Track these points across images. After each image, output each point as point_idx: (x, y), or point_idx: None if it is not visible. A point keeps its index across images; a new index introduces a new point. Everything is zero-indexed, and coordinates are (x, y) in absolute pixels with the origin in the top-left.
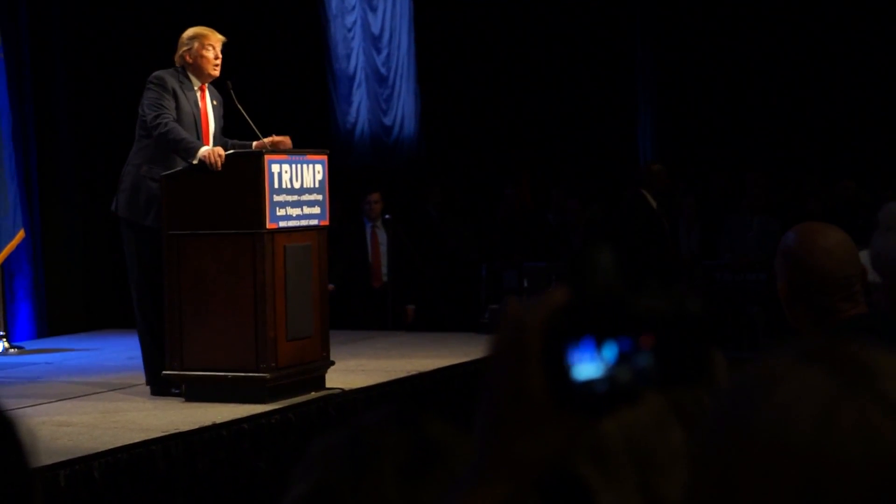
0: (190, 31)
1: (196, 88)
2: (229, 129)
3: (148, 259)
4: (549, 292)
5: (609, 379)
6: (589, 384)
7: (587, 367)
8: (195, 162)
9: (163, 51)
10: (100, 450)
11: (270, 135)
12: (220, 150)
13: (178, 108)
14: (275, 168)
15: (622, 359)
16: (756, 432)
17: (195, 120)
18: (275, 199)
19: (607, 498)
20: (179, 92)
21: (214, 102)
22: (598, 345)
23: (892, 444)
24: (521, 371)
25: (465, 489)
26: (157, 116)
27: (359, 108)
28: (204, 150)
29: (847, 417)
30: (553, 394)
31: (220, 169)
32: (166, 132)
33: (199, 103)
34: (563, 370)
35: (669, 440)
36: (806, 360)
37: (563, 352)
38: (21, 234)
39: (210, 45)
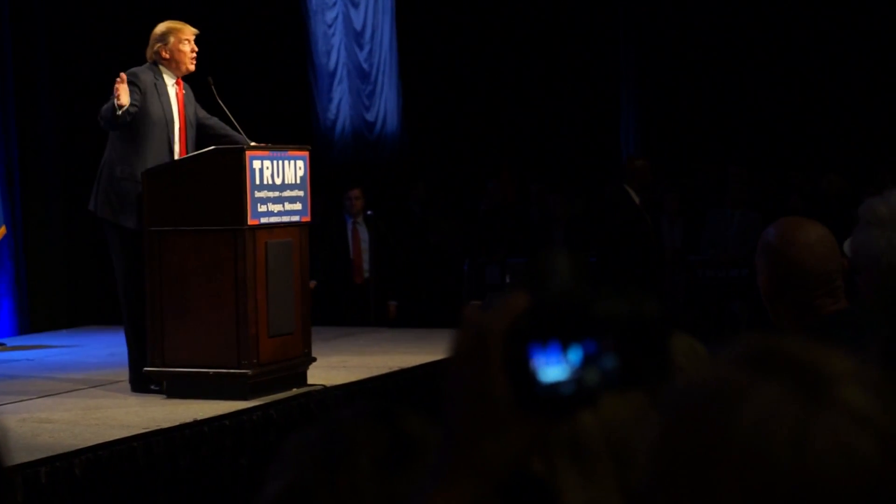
0: (162, 27)
1: (172, 83)
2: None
3: (132, 258)
4: (510, 297)
5: (575, 381)
6: (555, 387)
7: (553, 370)
8: (120, 111)
9: (145, 46)
10: (81, 446)
11: (254, 140)
12: (117, 83)
13: (146, 103)
14: (256, 164)
15: (587, 361)
16: (734, 442)
17: (164, 114)
18: (256, 195)
19: (582, 494)
20: (152, 88)
21: (183, 92)
22: (564, 348)
23: (867, 457)
24: (484, 375)
25: (429, 490)
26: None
27: (340, 104)
28: (116, 100)
29: (820, 437)
30: (517, 397)
31: (125, 97)
32: (99, 115)
33: (176, 97)
34: (528, 373)
35: (648, 434)
36: (762, 372)
37: (527, 355)
38: (2, 230)
39: (186, 40)
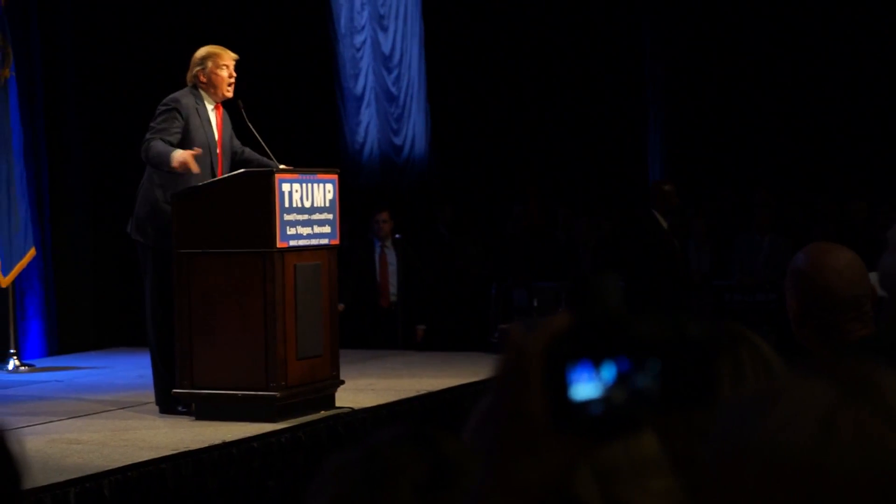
0: (202, 51)
1: (211, 108)
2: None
3: (163, 280)
4: (552, 317)
5: (606, 399)
6: (586, 404)
7: (585, 387)
8: (176, 168)
9: (173, 69)
10: (110, 467)
11: (283, 163)
12: (188, 153)
13: (189, 128)
14: (285, 187)
15: (620, 379)
16: (756, 446)
17: (207, 138)
18: (285, 218)
19: None
20: (194, 113)
21: (222, 117)
22: (597, 365)
23: (893, 454)
24: (522, 394)
25: None
26: (146, 139)
27: (367, 128)
28: (177, 157)
29: (847, 426)
30: (554, 416)
31: (196, 169)
32: (147, 150)
33: (215, 121)
34: (564, 393)
35: (650, 487)
36: (808, 374)
37: (563, 374)
38: (32, 252)
39: (224, 65)
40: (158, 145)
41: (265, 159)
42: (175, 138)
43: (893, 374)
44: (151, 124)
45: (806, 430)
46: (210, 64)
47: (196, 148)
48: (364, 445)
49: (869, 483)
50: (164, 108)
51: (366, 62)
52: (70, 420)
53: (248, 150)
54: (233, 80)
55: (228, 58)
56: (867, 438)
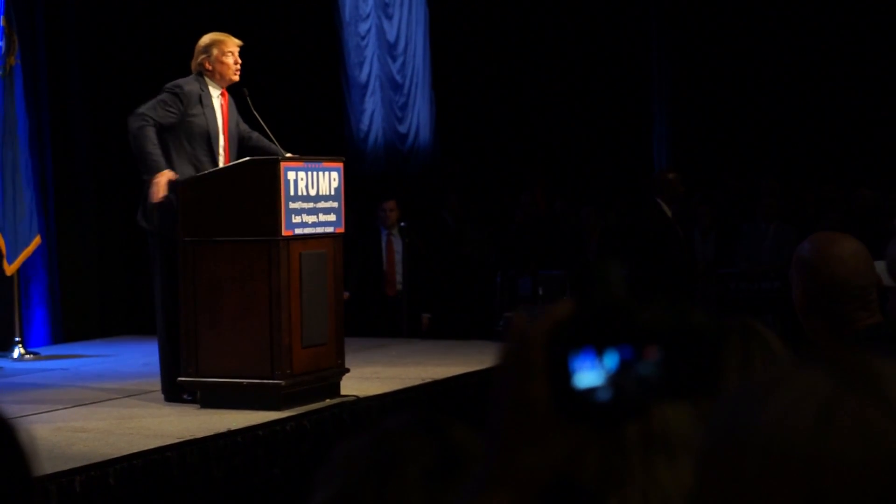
0: (207, 38)
1: (217, 94)
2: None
3: (171, 268)
4: (555, 304)
5: (610, 387)
6: (590, 392)
7: (588, 375)
8: (145, 178)
9: (178, 57)
10: (115, 456)
11: (288, 151)
12: (164, 181)
13: (189, 115)
14: (291, 175)
15: (623, 367)
16: (754, 436)
17: (208, 126)
18: (290, 206)
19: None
20: (196, 100)
21: (227, 104)
22: (600, 353)
23: (892, 444)
24: (525, 382)
25: (470, 498)
26: (142, 121)
27: (372, 116)
28: (156, 179)
29: (846, 416)
30: (557, 404)
31: (154, 201)
32: (136, 136)
33: (221, 109)
34: (567, 380)
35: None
36: (806, 364)
37: (566, 362)
38: (37, 240)
39: (229, 52)
40: (148, 143)
41: (273, 145)
42: (165, 121)
43: (892, 363)
44: (150, 101)
45: (804, 420)
46: (215, 51)
47: (175, 173)
48: (372, 432)
49: (867, 473)
50: (167, 90)
51: (370, 50)
52: (75, 408)
53: (256, 135)
54: (238, 65)
55: (233, 44)
56: (866, 428)
